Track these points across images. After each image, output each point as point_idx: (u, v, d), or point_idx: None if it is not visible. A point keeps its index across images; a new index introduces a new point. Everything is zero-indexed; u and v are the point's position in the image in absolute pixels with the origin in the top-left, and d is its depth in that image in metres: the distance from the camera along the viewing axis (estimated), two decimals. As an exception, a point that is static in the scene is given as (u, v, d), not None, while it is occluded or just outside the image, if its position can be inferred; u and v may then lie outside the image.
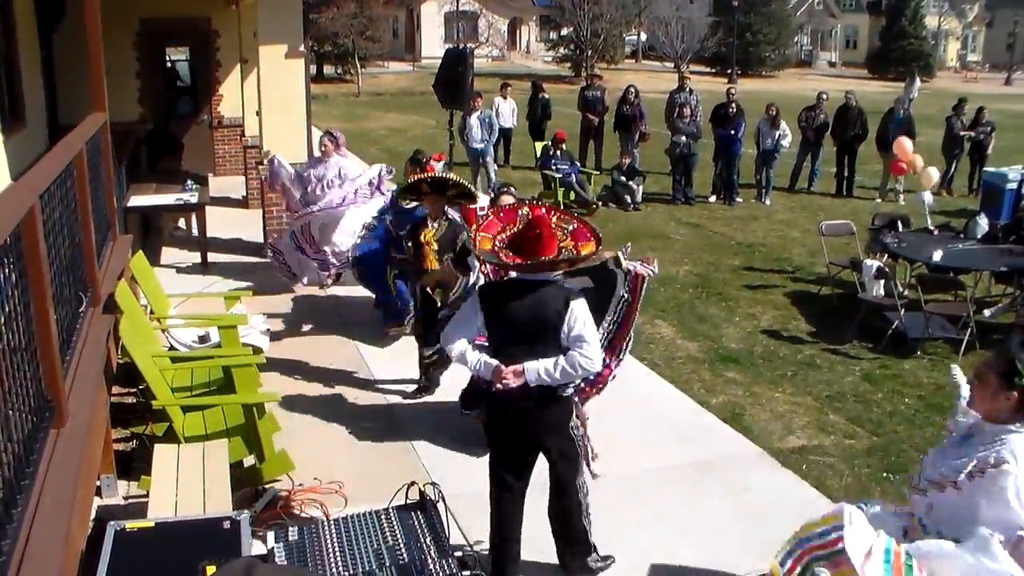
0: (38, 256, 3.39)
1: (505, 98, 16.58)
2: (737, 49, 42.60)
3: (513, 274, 4.02)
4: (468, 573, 3.20)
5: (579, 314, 3.82)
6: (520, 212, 4.04)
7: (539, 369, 3.82)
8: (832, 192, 14.90)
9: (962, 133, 15.09)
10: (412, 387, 6.46)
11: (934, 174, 10.18)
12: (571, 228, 3.99)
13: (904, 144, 11.52)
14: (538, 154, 14.80)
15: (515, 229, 3.96)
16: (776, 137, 13.89)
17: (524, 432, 4.03)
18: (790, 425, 6.18)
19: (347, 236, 8.05)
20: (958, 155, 15.25)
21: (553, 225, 3.95)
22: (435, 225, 6.12)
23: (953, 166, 15.27)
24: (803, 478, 5.36)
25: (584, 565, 4.29)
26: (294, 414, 5.96)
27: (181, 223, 10.78)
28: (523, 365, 3.82)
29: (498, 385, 3.86)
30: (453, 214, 6.35)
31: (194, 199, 9.44)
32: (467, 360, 3.95)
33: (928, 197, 9.75)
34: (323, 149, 8.30)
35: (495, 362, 3.89)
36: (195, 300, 7.18)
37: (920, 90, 30.17)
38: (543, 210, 4.08)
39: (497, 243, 3.93)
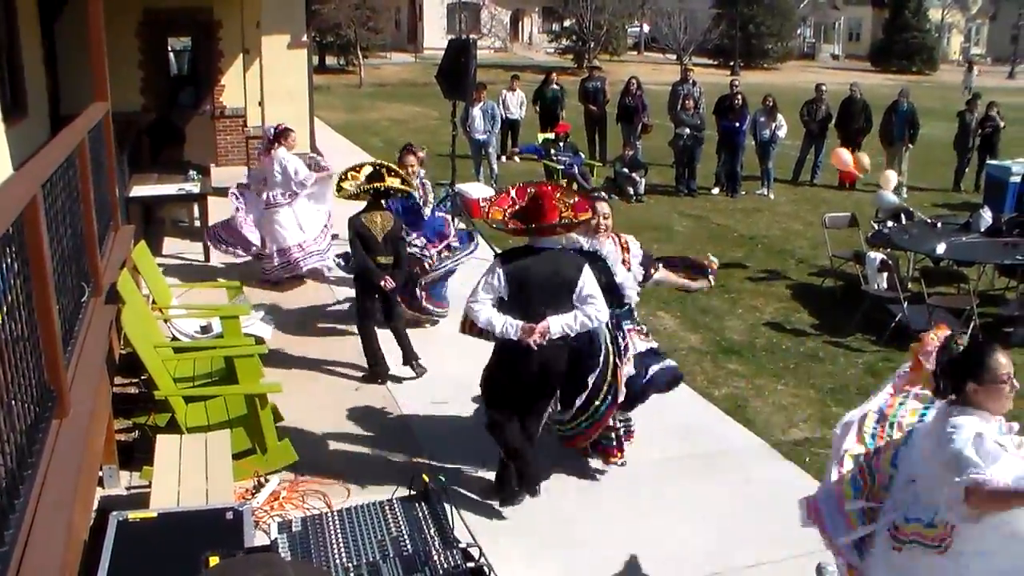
0: (40, 246, 3.38)
1: (514, 90, 16.47)
2: (740, 41, 42.43)
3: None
4: (472, 564, 3.19)
5: (587, 277, 4.45)
6: (529, 191, 4.58)
7: (561, 323, 4.39)
8: (835, 184, 14.83)
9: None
10: (414, 373, 6.48)
11: (892, 177, 10.09)
12: (572, 201, 4.55)
13: (841, 155, 11.42)
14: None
15: (522, 204, 4.53)
16: (773, 128, 13.82)
17: (547, 377, 4.58)
18: (792, 417, 6.17)
19: (292, 231, 8.16)
20: (970, 150, 15.04)
21: (556, 199, 4.50)
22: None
23: (965, 162, 15.03)
24: (805, 470, 5.34)
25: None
26: (296, 404, 5.95)
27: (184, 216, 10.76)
28: (547, 321, 4.35)
29: (528, 341, 4.34)
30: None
31: (196, 189, 9.42)
32: (494, 324, 4.41)
33: (892, 198, 9.68)
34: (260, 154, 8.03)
35: (519, 322, 4.36)
36: (197, 290, 7.17)
37: (974, 80, 30.25)
38: (548, 187, 4.70)
39: (507, 214, 4.51)
